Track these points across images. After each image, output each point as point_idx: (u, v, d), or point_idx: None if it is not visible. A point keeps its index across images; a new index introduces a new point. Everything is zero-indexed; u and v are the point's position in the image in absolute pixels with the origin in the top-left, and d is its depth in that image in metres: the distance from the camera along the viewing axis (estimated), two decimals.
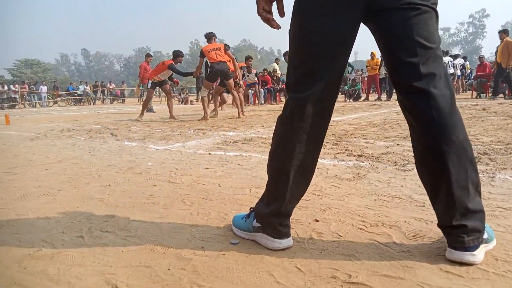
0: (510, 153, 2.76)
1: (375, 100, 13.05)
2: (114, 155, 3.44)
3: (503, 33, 10.31)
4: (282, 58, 12.27)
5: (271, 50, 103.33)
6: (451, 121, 1.12)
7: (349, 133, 4.34)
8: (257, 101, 13.27)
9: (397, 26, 1.12)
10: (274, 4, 1.26)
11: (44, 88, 23.21)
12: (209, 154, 3.33)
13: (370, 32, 1.24)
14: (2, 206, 1.96)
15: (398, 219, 1.56)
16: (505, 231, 1.38)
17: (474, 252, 1.14)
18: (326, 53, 1.17)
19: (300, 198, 1.35)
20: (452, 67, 13.18)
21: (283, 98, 14.78)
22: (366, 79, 15.19)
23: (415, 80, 1.12)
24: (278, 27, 1.29)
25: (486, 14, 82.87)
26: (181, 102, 18.45)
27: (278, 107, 11.00)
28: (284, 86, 14.08)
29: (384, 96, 13.47)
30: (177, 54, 8.03)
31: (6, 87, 20.92)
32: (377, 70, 13.21)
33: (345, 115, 7.06)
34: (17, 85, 21.69)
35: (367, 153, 3.01)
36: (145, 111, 8.36)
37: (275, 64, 15.00)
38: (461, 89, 15.25)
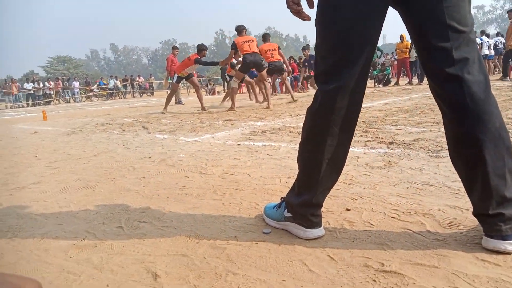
0: None
1: (405, 84, 12.69)
2: (146, 148, 3.54)
3: (511, 12, 9.88)
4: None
5: (297, 37, 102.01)
6: (486, 108, 1.09)
7: (379, 119, 4.27)
8: (282, 90, 13.18)
9: (428, 9, 1.09)
10: None
11: (76, 84, 24.01)
12: (238, 144, 3.37)
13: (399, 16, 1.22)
14: (46, 198, 2.08)
15: (431, 207, 1.54)
16: None
17: None
18: (355, 42, 1.15)
19: (331, 188, 1.36)
20: (487, 48, 12.60)
21: (309, 86, 14.62)
22: (395, 63, 14.73)
23: (448, 66, 1.09)
24: (308, 18, 1.28)
25: None
26: (209, 93, 18.61)
27: (305, 95, 10.90)
28: (312, 73, 13.89)
29: (415, 80, 13.07)
30: (202, 48, 8.13)
31: (41, 84, 21.76)
32: (407, 53, 12.79)
33: (374, 101, 6.92)
34: (51, 82, 22.52)
35: (398, 140, 2.96)
36: (168, 104, 8.42)
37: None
38: (497, 69, 14.56)
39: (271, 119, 5.24)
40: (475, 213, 1.19)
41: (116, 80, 25.12)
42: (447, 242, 1.23)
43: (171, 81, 11.31)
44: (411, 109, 5.12)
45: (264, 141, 3.45)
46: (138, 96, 24.68)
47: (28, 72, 58.03)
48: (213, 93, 18.54)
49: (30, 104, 20.19)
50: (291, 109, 6.48)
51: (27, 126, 7.10)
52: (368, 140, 3.07)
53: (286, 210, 1.41)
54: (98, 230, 1.57)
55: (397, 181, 1.93)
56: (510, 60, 10.18)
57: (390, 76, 13.64)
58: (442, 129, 3.28)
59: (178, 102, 11.40)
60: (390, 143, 2.89)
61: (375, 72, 13.63)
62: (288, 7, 1.25)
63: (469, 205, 1.50)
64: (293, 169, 2.32)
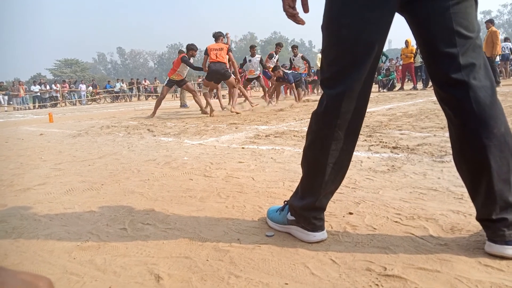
0: None
1: (410, 89, 12.66)
2: (151, 150, 3.56)
3: (489, 22, 10.37)
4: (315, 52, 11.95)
5: (302, 41, 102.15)
6: (492, 113, 1.09)
7: (383, 124, 4.26)
8: (288, 93, 13.18)
9: (435, 15, 1.09)
10: (299, 0, 1.26)
11: (83, 87, 24.18)
12: (242, 148, 3.38)
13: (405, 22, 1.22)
14: (51, 200, 2.10)
15: (434, 212, 1.53)
16: None
17: None
18: (361, 47, 1.15)
19: (334, 192, 1.36)
20: None
21: (314, 90, 14.63)
22: (400, 68, 14.68)
23: (454, 71, 1.10)
24: (303, 22, 1.29)
25: None
26: (214, 97, 18.63)
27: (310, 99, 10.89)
28: (315, 77, 13.90)
29: (420, 85, 13.04)
30: (190, 48, 7.95)
31: (48, 87, 21.95)
32: (412, 58, 12.78)
33: (379, 106, 6.91)
34: (58, 84, 22.71)
35: (402, 145, 2.95)
36: (157, 110, 8.13)
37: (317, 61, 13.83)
38: (503, 75, 14.50)
39: (275, 123, 5.25)
40: (478, 218, 1.18)
41: (122, 83, 25.28)
42: (450, 247, 1.22)
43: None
44: (416, 114, 5.10)
45: (268, 144, 3.45)
46: (144, 99, 24.81)
47: (35, 74, 58.61)
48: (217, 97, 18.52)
49: (37, 106, 20.37)
50: (295, 113, 6.49)
51: (33, 128, 7.16)
52: (372, 145, 3.06)
53: (289, 213, 1.41)
54: (102, 232, 1.58)
55: (400, 186, 1.92)
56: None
57: (395, 81, 13.62)
58: (446, 134, 3.26)
59: (184, 105, 11.45)
60: (394, 147, 2.88)
61: (379, 77, 13.62)
62: (284, 10, 1.26)
63: (472, 210, 1.49)
64: (297, 173, 2.32)
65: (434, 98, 7.45)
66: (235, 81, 7.49)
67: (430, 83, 10.37)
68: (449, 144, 2.79)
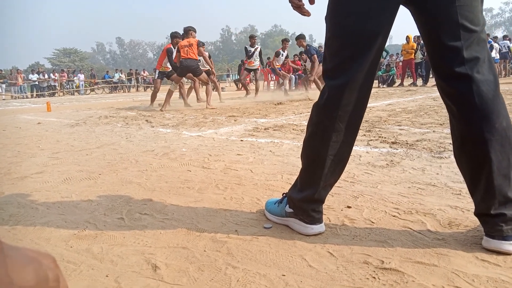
0: None
1: (410, 85, 12.66)
2: (149, 141, 3.55)
3: None
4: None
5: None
6: (494, 107, 1.08)
7: (383, 119, 4.26)
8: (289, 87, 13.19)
9: (441, 8, 1.08)
10: None
11: (82, 77, 24.05)
12: (241, 140, 3.37)
13: (410, 14, 1.21)
14: (48, 188, 2.09)
15: (432, 207, 1.53)
16: None
17: None
18: (365, 39, 1.15)
19: (333, 185, 1.36)
20: (493, 50, 12.56)
21: (314, 85, 14.59)
22: (400, 64, 14.63)
23: (458, 65, 1.09)
24: (308, 14, 1.28)
25: None
26: (213, 89, 18.58)
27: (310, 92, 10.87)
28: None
29: (420, 82, 13.03)
30: (174, 35, 7.63)
31: (46, 76, 21.82)
32: (413, 54, 12.75)
33: (378, 101, 6.90)
34: (56, 74, 22.58)
35: (401, 140, 2.95)
36: (154, 101, 8.08)
37: None
38: (504, 72, 14.50)
39: (274, 116, 5.24)
40: (476, 213, 1.18)
41: (121, 73, 25.16)
42: (448, 242, 1.23)
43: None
44: (415, 110, 5.10)
45: (267, 137, 3.45)
46: (142, 90, 24.71)
47: (33, 63, 58.23)
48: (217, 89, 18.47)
49: (35, 95, 20.27)
50: (295, 107, 6.48)
51: (31, 116, 7.12)
52: (371, 139, 3.06)
53: (287, 205, 1.41)
54: (99, 221, 1.57)
55: (399, 181, 1.92)
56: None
57: (395, 77, 13.61)
58: (446, 130, 3.25)
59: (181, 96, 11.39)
60: (393, 143, 2.88)
61: (379, 73, 13.60)
62: (289, 1, 1.25)
63: (470, 205, 1.50)
64: (295, 166, 2.32)
65: (434, 95, 7.48)
66: (211, 73, 7.43)
67: (430, 81, 10.41)
68: (448, 141, 2.79)
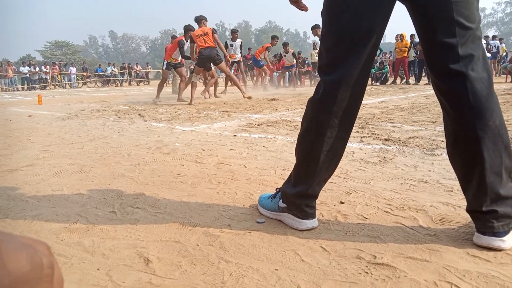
0: None
1: (402, 83, 12.72)
2: (142, 135, 3.53)
3: None
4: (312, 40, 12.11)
5: (297, 32, 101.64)
6: (488, 105, 1.08)
7: (376, 116, 4.28)
8: (282, 83, 13.24)
9: (436, 4, 1.08)
10: None
11: (73, 70, 23.78)
12: (234, 136, 3.36)
13: (406, 11, 1.21)
14: (38, 181, 2.07)
15: (425, 203, 1.54)
16: None
17: (504, 238, 1.12)
18: (361, 34, 1.14)
19: (327, 180, 1.36)
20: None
21: (307, 82, 14.63)
22: (394, 61, 14.64)
23: (453, 62, 1.09)
24: (306, 8, 1.27)
25: None
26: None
27: (303, 90, 10.90)
28: (309, 68, 13.89)
29: (412, 80, 13.10)
30: (187, 29, 7.66)
31: (37, 68, 21.54)
32: (406, 52, 12.81)
33: (371, 98, 6.92)
34: (48, 66, 22.30)
35: (394, 137, 2.96)
36: (160, 92, 8.14)
37: (313, 51, 13.17)
38: (495, 72, 14.64)
39: (268, 112, 5.23)
40: (468, 210, 1.19)
41: (114, 67, 24.93)
42: (439, 238, 1.24)
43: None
44: (408, 107, 5.13)
45: (260, 133, 3.44)
46: (135, 84, 24.53)
47: (24, 55, 57.45)
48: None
49: (26, 88, 20.01)
50: (288, 103, 6.48)
51: (22, 109, 7.04)
52: (364, 136, 3.07)
53: (281, 200, 1.41)
54: (91, 214, 1.56)
55: (391, 177, 1.93)
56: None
57: (388, 75, 13.67)
58: (438, 128, 3.27)
59: (175, 91, 11.33)
60: (386, 139, 2.89)
61: (373, 70, 13.64)
62: None
63: (461, 202, 1.51)
64: (289, 162, 2.32)
65: (427, 93, 7.53)
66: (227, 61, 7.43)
67: (423, 79, 10.49)
68: (440, 138, 2.81)
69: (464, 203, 1.34)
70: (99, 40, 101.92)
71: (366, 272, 1.05)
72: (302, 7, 1.27)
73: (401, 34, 12.80)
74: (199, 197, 1.74)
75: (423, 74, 13.53)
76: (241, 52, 10.02)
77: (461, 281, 0.98)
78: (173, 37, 11.57)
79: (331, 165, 1.30)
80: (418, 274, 1.02)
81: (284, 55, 12.90)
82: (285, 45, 12.83)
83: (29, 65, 21.58)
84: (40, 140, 3.42)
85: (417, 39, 13.41)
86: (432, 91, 1.30)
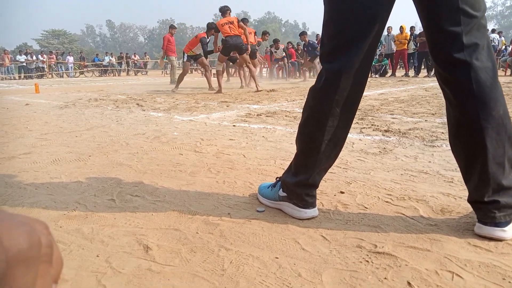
0: None
1: (402, 76, 12.69)
2: (140, 125, 3.50)
3: None
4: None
5: (296, 23, 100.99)
6: (492, 95, 1.07)
7: (375, 108, 4.26)
8: (280, 75, 13.21)
9: None
10: None
11: (71, 59, 23.58)
12: (233, 126, 3.34)
13: (404, 4, 1.19)
14: (36, 169, 2.05)
15: (425, 194, 1.54)
16: None
17: (505, 228, 1.12)
18: (364, 22, 1.12)
19: (328, 170, 1.35)
20: None
21: (307, 73, 14.57)
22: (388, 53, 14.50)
23: (457, 51, 1.07)
24: None
25: None
26: (202, 75, 18.44)
27: (301, 81, 10.86)
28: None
29: (412, 72, 13.07)
30: (210, 27, 7.90)
31: (34, 57, 21.35)
32: (406, 44, 12.75)
33: (371, 90, 6.90)
34: (44, 55, 22.09)
35: (393, 129, 2.95)
36: (180, 84, 8.27)
37: None
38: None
39: (267, 102, 5.21)
40: (470, 200, 1.19)
41: (111, 57, 24.74)
42: (440, 227, 1.23)
43: (166, 60, 11.17)
44: (407, 99, 5.12)
45: (259, 123, 3.42)
46: (133, 74, 24.39)
47: (21, 44, 56.86)
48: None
49: (22, 77, 19.84)
50: (287, 94, 6.45)
51: (19, 98, 6.98)
52: (364, 127, 3.06)
53: (281, 189, 1.40)
54: (90, 202, 1.55)
55: (391, 168, 1.93)
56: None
57: (387, 67, 13.63)
58: (438, 120, 3.27)
59: (173, 81, 11.28)
60: (386, 131, 2.88)
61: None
62: None
63: (462, 193, 1.51)
64: (288, 152, 2.31)
65: (426, 86, 7.52)
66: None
67: (422, 72, 10.48)
68: (440, 130, 2.80)
69: (464, 193, 1.33)
70: (97, 29, 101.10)
71: (367, 261, 1.04)
72: None
73: (401, 26, 12.73)
74: (199, 186, 1.73)
75: (423, 67, 13.48)
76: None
77: (462, 270, 0.98)
78: (172, 26, 11.50)
79: (332, 154, 1.29)
80: (419, 263, 1.02)
81: (275, 51, 12.92)
82: (275, 41, 12.92)
83: (26, 54, 21.37)
84: (38, 129, 3.40)
85: (416, 32, 13.36)
86: (432, 84, 1.29)
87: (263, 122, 3.51)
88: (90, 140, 2.81)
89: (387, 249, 1.10)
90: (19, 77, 19.90)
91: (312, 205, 1.33)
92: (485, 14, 1.10)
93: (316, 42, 12.14)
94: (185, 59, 8.45)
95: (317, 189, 1.36)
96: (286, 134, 2.89)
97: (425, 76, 11.82)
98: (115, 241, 1.20)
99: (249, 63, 7.40)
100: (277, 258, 1.08)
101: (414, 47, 12.88)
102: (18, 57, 21.05)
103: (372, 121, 3.34)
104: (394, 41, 13.17)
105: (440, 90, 1.19)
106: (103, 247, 1.16)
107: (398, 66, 13.88)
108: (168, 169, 2.00)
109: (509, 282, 0.92)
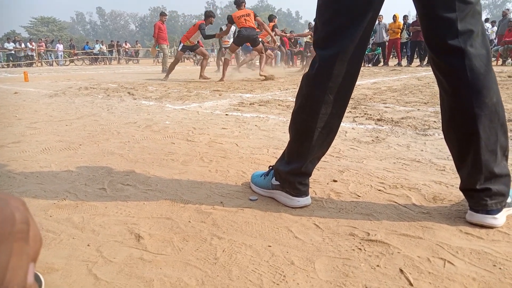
0: None
1: (395, 65, 12.69)
2: (131, 113, 3.46)
3: None
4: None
5: (289, 11, 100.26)
6: (485, 82, 1.07)
7: (368, 97, 4.26)
8: (273, 64, 13.13)
9: None
10: None
11: (60, 47, 23.18)
12: (226, 115, 3.32)
13: None
14: (25, 158, 2.02)
15: (417, 182, 1.54)
16: None
17: (496, 216, 1.12)
18: (359, 8, 1.11)
19: (321, 158, 1.34)
20: None
21: (299, 63, 14.51)
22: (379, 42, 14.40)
23: (451, 37, 1.06)
24: None
25: None
26: (197, 64, 18.28)
27: (294, 70, 10.82)
28: (301, 49, 13.76)
29: (404, 62, 13.07)
30: (209, 15, 7.95)
31: (23, 45, 20.94)
32: (399, 34, 12.72)
33: (364, 79, 6.90)
34: (33, 43, 21.69)
35: (386, 117, 2.96)
36: (170, 73, 8.23)
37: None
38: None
39: (260, 91, 5.18)
40: (462, 188, 1.19)
41: (102, 45, 24.37)
42: (432, 215, 1.24)
43: (158, 49, 11.02)
44: (400, 89, 5.12)
45: (252, 112, 3.40)
46: (124, 63, 24.07)
47: (9, 31, 55.73)
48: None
49: (11, 65, 19.49)
50: (280, 83, 6.42)
51: (7, 86, 6.85)
52: (357, 116, 3.06)
53: (274, 178, 1.39)
54: (80, 191, 1.53)
55: (384, 156, 1.93)
56: None
57: (380, 56, 13.61)
58: (430, 109, 3.27)
59: (165, 70, 11.16)
60: (378, 120, 2.89)
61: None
62: None
63: (454, 181, 1.52)
64: (281, 141, 2.30)
65: (418, 75, 7.53)
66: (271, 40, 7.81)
67: (415, 61, 10.46)
68: (432, 119, 2.80)
69: (456, 182, 1.34)
70: (87, 16, 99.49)
71: (360, 249, 1.04)
72: None
73: (394, 15, 12.68)
74: (191, 174, 1.71)
75: (415, 56, 13.49)
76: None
77: (454, 257, 0.99)
78: (162, 14, 11.32)
79: (325, 142, 1.29)
80: (411, 250, 1.02)
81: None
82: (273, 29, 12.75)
83: (14, 41, 20.95)
84: (27, 117, 3.34)
85: (409, 21, 13.33)
86: (424, 73, 1.28)
87: (256, 111, 3.49)
88: (80, 129, 2.77)
89: (379, 237, 1.10)
90: (8, 65, 19.53)
91: (305, 193, 1.33)
92: (480, 3, 1.09)
93: (309, 29, 12.01)
94: (179, 48, 8.38)
95: (310, 178, 1.36)
96: (279, 123, 2.88)
97: (417, 66, 11.84)
98: (106, 230, 1.19)
99: (262, 53, 7.49)
100: (270, 246, 1.07)
101: (407, 36, 12.86)
102: (6, 44, 20.64)
103: (365, 110, 3.34)
104: (387, 30, 13.13)
105: (433, 80, 1.19)
106: (94, 236, 1.15)
107: (391, 55, 13.86)
108: (160, 158, 1.98)
109: (500, 268, 0.93)
